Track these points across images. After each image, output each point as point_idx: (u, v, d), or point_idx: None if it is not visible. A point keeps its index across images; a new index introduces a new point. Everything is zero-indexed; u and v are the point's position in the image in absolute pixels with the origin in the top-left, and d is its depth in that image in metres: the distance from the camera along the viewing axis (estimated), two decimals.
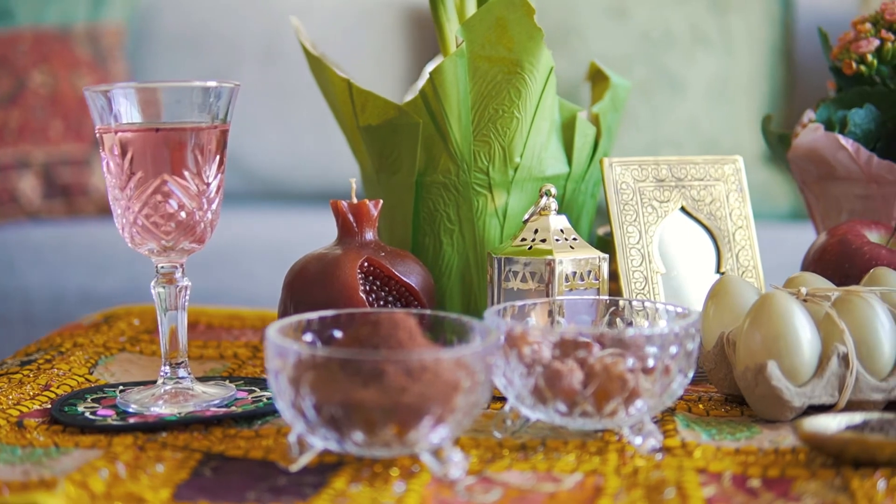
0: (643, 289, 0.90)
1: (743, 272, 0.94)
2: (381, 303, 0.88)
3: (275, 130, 2.18)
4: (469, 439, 0.78)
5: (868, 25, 1.01)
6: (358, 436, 0.70)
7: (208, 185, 0.82)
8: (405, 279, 0.88)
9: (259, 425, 0.81)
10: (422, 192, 0.93)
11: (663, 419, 0.82)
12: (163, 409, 0.82)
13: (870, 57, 0.99)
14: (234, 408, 0.83)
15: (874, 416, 0.76)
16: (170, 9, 2.22)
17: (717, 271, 0.94)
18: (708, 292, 0.87)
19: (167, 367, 0.85)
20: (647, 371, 0.75)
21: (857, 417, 0.76)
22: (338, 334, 0.77)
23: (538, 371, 0.75)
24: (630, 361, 0.74)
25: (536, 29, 0.89)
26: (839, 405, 0.80)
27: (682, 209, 0.94)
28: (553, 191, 0.88)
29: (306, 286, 0.87)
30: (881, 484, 0.70)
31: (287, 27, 2.13)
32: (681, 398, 0.87)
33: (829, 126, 1.00)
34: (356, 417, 0.70)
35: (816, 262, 0.94)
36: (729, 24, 2.03)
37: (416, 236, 0.95)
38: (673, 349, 0.75)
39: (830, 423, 0.75)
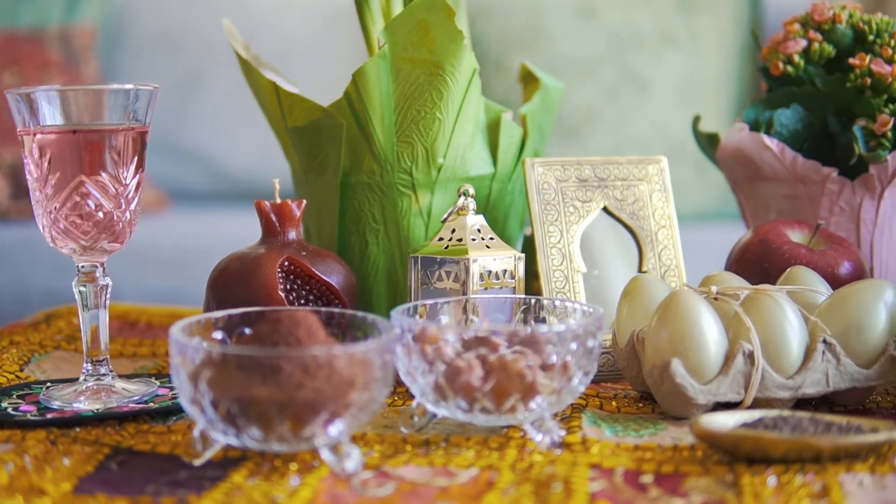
0: (563, 287, 0.91)
1: (665, 271, 0.95)
2: (302, 301, 0.89)
3: (248, 131, 2.19)
4: (376, 435, 0.79)
5: (797, 26, 1.02)
6: (254, 431, 0.71)
7: (126, 185, 0.84)
8: (325, 278, 0.89)
9: (174, 421, 0.83)
10: (347, 193, 0.95)
11: (571, 416, 0.83)
12: (84, 406, 0.84)
13: (796, 58, 1.00)
14: (151, 404, 0.84)
15: (771, 413, 0.77)
16: (143, 10, 2.24)
17: (640, 270, 0.95)
18: (622, 291, 0.88)
19: (89, 365, 0.87)
20: (546, 368, 0.76)
21: (752, 415, 0.77)
22: (247, 332, 0.79)
23: (439, 368, 0.76)
24: (529, 359, 0.76)
25: (457, 31, 0.90)
26: (745, 403, 0.81)
27: (605, 209, 0.95)
28: (471, 191, 0.89)
29: (228, 285, 0.89)
30: (771, 480, 0.71)
31: (261, 28, 2.14)
32: (597, 395, 0.88)
33: (756, 126, 1.01)
34: (252, 413, 0.71)
35: (738, 261, 0.95)
36: (697, 24, 2.03)
37: (342, 236, 0.96)
38: (573, 346, 0.76)
39: (726, 421, 0.76)
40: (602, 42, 2.02)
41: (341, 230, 0.96)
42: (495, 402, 0.76)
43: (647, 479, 0.72)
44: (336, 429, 0.72)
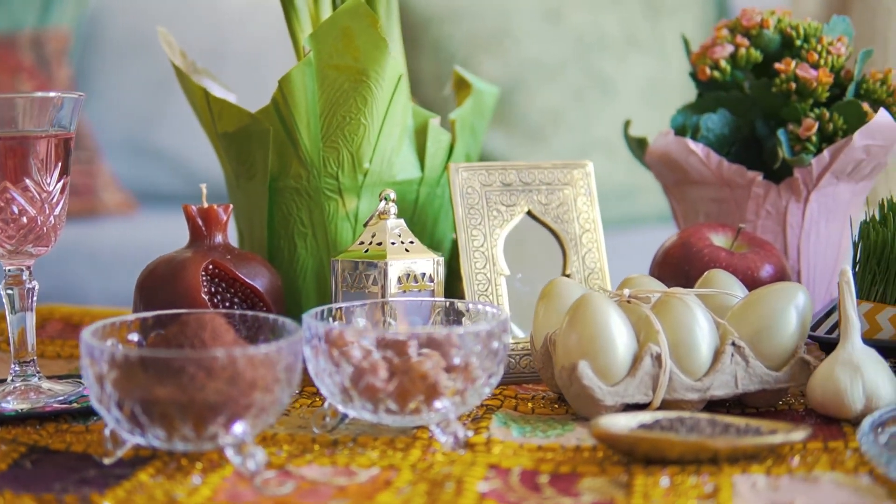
0: (486, 290, 0.93)
1: (589, 274, 0.96)
2: (227, 304, 0.91)
3: None
4: (287, 435, 0.81)
5: (726, 32, 1.03)
6: (158, 431, 0.73)
7: (50, 191, 0.86)
8: (249, 281, 0.91)
9: (94, 421, 0.84)
10: (276, 197, 0.96)
11: (483, 416, 0.84)
12: (11, 406, 0.86)
13: (723, 63, 1.01)
14: (75, 404, 0.86)
15: (669, 415, 0.78)
16: (116, 13, 2.26)
17: (563, 273, 0.96)
18: (539, 294, 0.89)
19: (16, 366, 0.88)
20: (450, 370, 0.78)
21: (651, 416, 0.78)
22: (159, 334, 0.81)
23: (345, 370, 0.77)
24: (434, 361, 0.77)
25: (381, 39, 0.91)
26: (654, 404, 0.82)
27: (529, 213, 0.96)
28: (392, 196, 0.91)
29: (154, 287, 0.90)
30: (664, 481, 0.72)
31: (233, 31, 2.16)
32: (515, 397, 0.90)
33: (683, 131, 1.02)
34: (155, 413, 0.73)
35: (661, 264, 0.96)
36: (662, 27, 2.04)
37: (272, 239, 0.98)
38: (476, 348, 0.78)
39: (625, 422, 0.77)
40: (568, 45, 2.03)
41: (271, 234, 0.97)
42: (399, 404, 0.77)
43: (543, 479, 0.73)
44: (240, 429, 0.74)
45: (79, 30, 2.21)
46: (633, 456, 0.75)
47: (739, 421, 0.78)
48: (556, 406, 0.87)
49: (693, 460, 0.75)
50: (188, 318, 0.77)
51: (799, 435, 0.76)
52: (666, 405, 0.83)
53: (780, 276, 0.94)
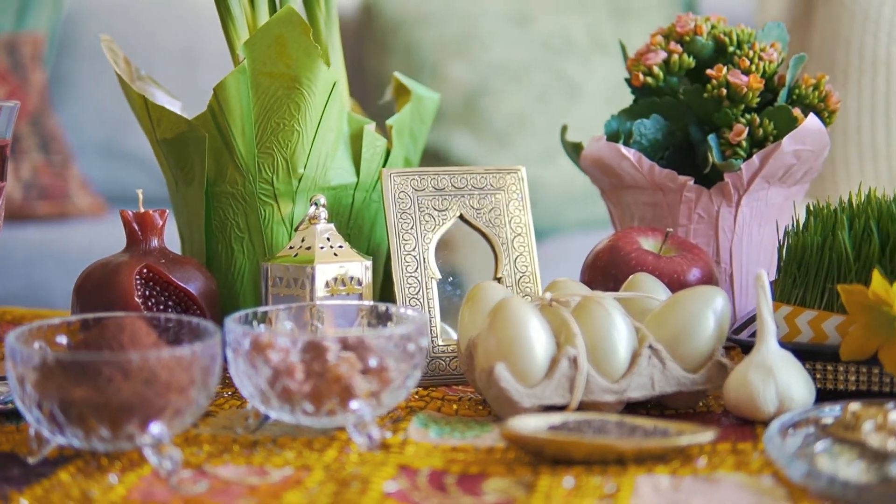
0: (417, 293, 0.94)
1: (520, 277, 0.98)
2: (161, 307, 0.93)
3: None
4: (210, 435, 0.83)
5: (660, 38, 1.04)
6: (76, 431, 0.75)
7: None
8: (183, 285, 0.93)
9: (25, 421, 0.86)
10: (213, 202, 0.98)
11: (404, 418, 0.86)
12: None
13: (656, 69, 1.03)
14: (10, 405, 0.88)
15: (578, 417, 0.80)
16: (91, 18, 2.28)
17: (494, 277, 0.98)
18: (465, 298, 0.91)
19: None
20: (366, 372, 0.80)
21: (559, 418, 0.80)
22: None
23: (263, 372, 0.79)
24: (351, 363, 0.79)
25: (313, 46, 0.93)
26: (571, 406, 0.84)
27: (461, 217, 0.98)
28: (322, 200, 0.93)
29: (90, 291, 0.92)
30: (568, 482, 0.74)
31: (209, 33, 2.18)
32: (443, 398, 0.92)
33: (616, 136, 1.03)
34: (72, 414, 0.75)
35: (590, 267, 0.97)
36: (629, 31, 2.06)
37: (209, 244, 1.00)
38: (392, 350, 0.80)
39: (534, 424, 0.79)
40: (535, 48, 2.05)
41: (209, 238, 0.99)
42: (315, 405, 0.79)
43: (450, 479, 0.75)
44: (157, 429, 0.76)
45: (53, 33, 2.23)
46: (542, 457, 0.77)
47: (648, 423, 0.79)
48: (480, 408, 0.89)
49: (600, 461, 0.76)
50: (108, 322, 0.79)
51: (705, 436, 0.78)
52: (584, 407, 0.85)
53: (708, 279, 0.96)
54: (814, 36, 1.73)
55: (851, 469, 0.73)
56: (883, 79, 1.64)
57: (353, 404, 0.79)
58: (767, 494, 0.72)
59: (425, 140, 1.08)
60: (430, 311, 0.94)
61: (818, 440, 0.78)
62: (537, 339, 0.84)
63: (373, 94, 2.03)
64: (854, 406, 0.81)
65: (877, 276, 0.85)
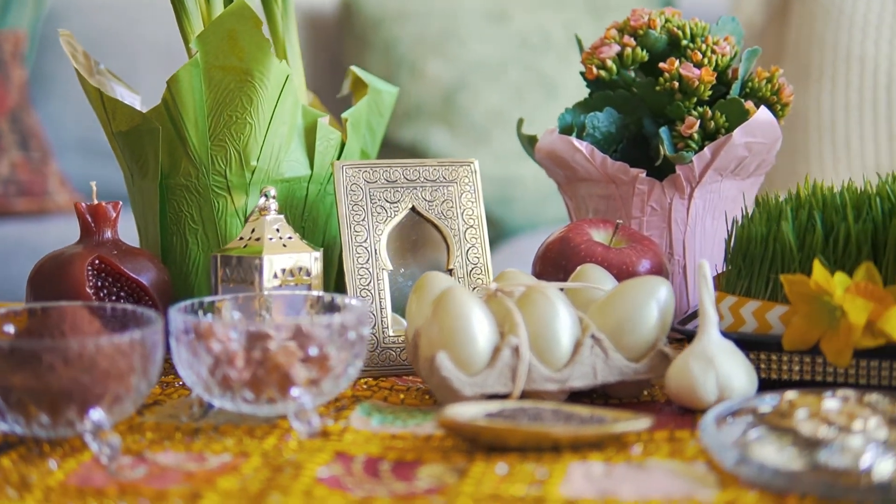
0: (368, 285, 0.95)
1: (472, 269, 0.98)
2: (113, 298, 0.94)
3: None
4: (154, 423, 0.84)
5: (614, 32, 1.05)
6: (17, 417, 0.76)
7: None
8: (135, 276, 0.94)
9: None
10: (167, 194, 0.99)
11: (348, 406, 0.87)
12: None
13: (609, 62, 1.03)
14: None
15: (515, 405, 0.81)
16: (72, 15, 2.29)
17: (446, 268, 0.98)
18: (412, 288, 0.92)
19: None
20: (306, 360, 0.80)
21: (496, 406, 0.80)
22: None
23: (205, 361, 0.80)
24: (288, 351, 0.80)
25: (265, 40, 0.94)
26: (513, 395, 0.85)
27: (413, 209, 0.99)
28: (272, 192, 0.94)
29: (42, 282, 0.93)
30: (501, 468, 0.74)
31: None
32: (391, 388, 0.92)
33: (569, 129, 1.04)
34: (11, 400, 0.76)
35: (541, 259, 0.98)
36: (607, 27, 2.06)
37: (164, 236, 1.00)
38: (332, 339, 0.80)
39: (471, 411, 0.79)
40: (513, 46, 2.05)
41: (163, 230, 1.00)
42: (255, 393, 0.80)
43: (385, 466, 0.76)
44: (97, 416, 0.77)
45: (34, 31, 2.24)
46: (478, 444, 0.78)
47: (585, 411, 0.80)
48: (427, 397, 0.90)
49: (535, 448, 0.77)
50: (52, 310, 0.80)
51: (640, 424, 0.78)
52: (527, 396, 0.85)
53: (657, 271, 0.96)
54: (789, 33, 1.73)
55: (782, 456, 0.74)
56: (857, 75, 1.65)
57: (293, 392, 0.80)
58: (698, 481, 0.72)
59: (384, 133, 1.09)
60: (380, 302, 0.95)
61: (754, 428, 0.78)
62: (479, 329, 0.84)
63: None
64: (791, 395, 0.82)
65: (818, 267, 0.85)
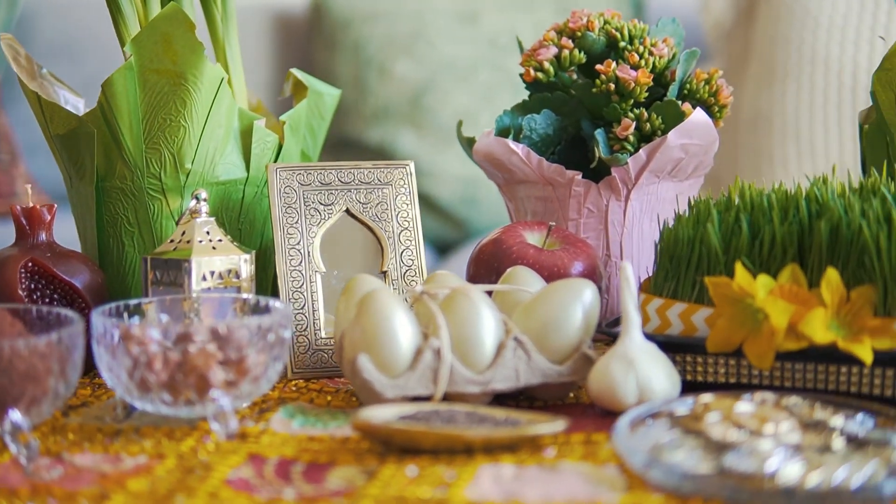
0: (300, 287, 0.95)
1: (406, 271, 0.99)
2: (46, 300, 0.94)
3: None
4: (77, 424, 0.84)
5: (552, 34, 1.05)
6: None
7: None
8: (68, 278, 0.94)
9: None
10: (104, 197, 1.00)
11: (271, 408, 0.87)
12: None
13: (546, 64, 1.03)
14: None
15: (429, 407, 0.81)
16: (47, 16, 2.30)
17: (380, 271, 0.99)
18: (342, 290, 0.92)
19: None
20: (225, 363, 0.81)
21: (411, 408, 0.81)
22: None
23: (124, 363, 0.81)
24: (207, 353, 0.80)
25: (198, 43, 0.95)
26: (435, 397, 0.85)
27: (348, 212, 0.99)
28: (203, 195, 0.94)
29: None
30: (411, 470, 0.75)
31: None
32: (320, 390, 0.93)
33: (507, 132, 1.04)
34: None
35: (475, 261, 0.98)
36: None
37: (101, 238, 1.01)
38: (252, 341, 0.81)
39: (386, 413, 0.80)
40: (482, 46, 2.05)
41: (100, 233, 1.01)
42: (173, 395, 0.80)
43: (297, 468, 0.76)
44: (15, 417, 0.77)
45: (6, 31, 2.25)
46: (391, 446, 0.78)
47: (500, 413, 0.80)
48: (354, 399, 0.90)
49: (448, 451, 0.77)
50: None
51: (554, 427, 0.78)
52: (450, 398, 0.86)
53: (590, 273, 0.96)
54: (756, 34, 1.73)
55: (691, 460, 0.74)
56: (821, 76, 1.64)
57: (211, 394, 0.80)
58: (605, 484, 0.73)
59: (325, 135, 1.10)
60: (313, 304, 0.96)
61: (668, 431, 0.78)
62: (402, 331, 0.84)
63: None
64: (706, 398, 0.82)
65: (740, 269, 0.85)
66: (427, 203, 1.98)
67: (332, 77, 2.01)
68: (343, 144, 2.00)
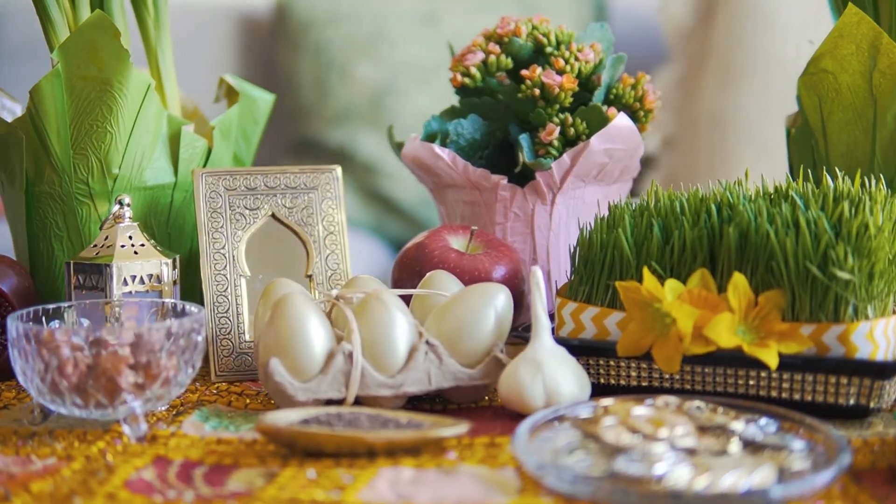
0: (225, 291, 0.97)
1: (331, 275, 1.00)
2: None
3: None
4: None
5: (480, 39, 1.06)
6: None
7: None
8: None
9: None
10: (33, 202, 1.01)
11: (185, 411, 0.89)
12: None
13: (473, 69, 1.04)
14: None
15: (334, 410, 0.82)
16: (14, 17, 2.31)
17: (305, 275, 1.00)
18: (261, 294, 0.93)
19: None
20: (136, 366, 0.82)
21: (316, 412, 0.82)
22: None
23: (37, 367, 0.82)
24: (117, 357, 0.81)
25: (123, 50, 0.96)
26: (347, 401, 0.86)
27: (273, 216, 1.00)
28: (126, 200, 0.95)
29: None
30: (310, 473, 0.76)
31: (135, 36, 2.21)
32: (241, 393, 0.94)
33: (434, 136, 1.05)
34: None
35: (398, 265, 1.00)
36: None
37: (32, 243, 1.02)
38: (163, 345, 0.82)
39: (290, 417, 0.81)
40: (443, 48, 2.06)
41: (31, 237, 1.02)
42: (83, 399, 0.82)
43: (200, 470, 0.77)
44: None
45: None
46: (295, 449, 0.79)
47: (403, 416, 0.81)
48: (272, 403, 0.91)
49: (350, 454, 0.78)
50: None
51: (457, 430, 0.79)
52: (363, 402, 0.87)
53: (512, 276, 0.97)
54: (714, 35, 1.74)
55: (584, 463, 0.75)
56: (777, 78, 1.65)
57: (122, 398, 0.81)
58: (498, 486, 0.74)
59: (259, 139, 1.11)
60: (237, 308, 0.97)
61: (569, 434, 0.79)
62: (315, 335, 0.86)
63: (285, 94, 2.05)
64: (607, 401, 0.83)
65: (647, 274, 0.86)
66: (388, 205, 1.99)
67: (294, 79, 2.02)
68: (304, 146, 2.01)
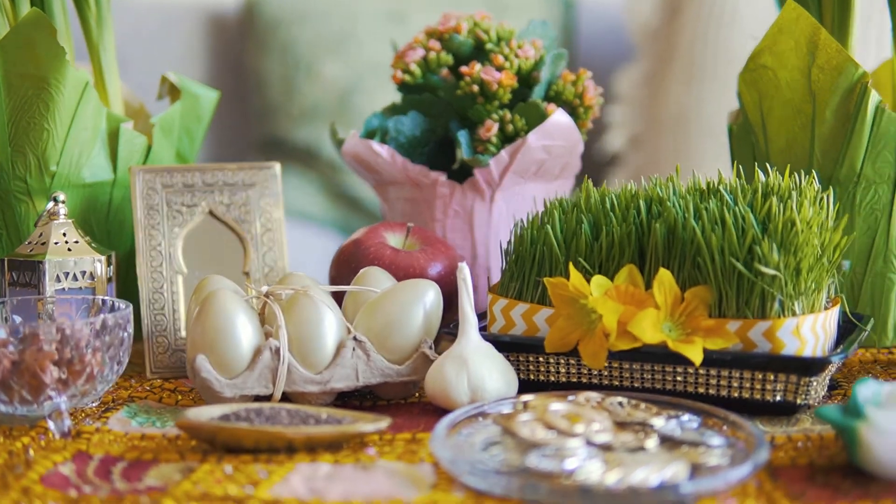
0: (161, 288, 0.97)
1: (268, 271, 1.00)
2: None
3: None
4: None
5: (422, 36, 1.06)
6: None
7: None
8: None
9: None
10: None
11: (114, 407, 0.89)
12: None
13: (413, 66, 1.05)
14: None
15: (255, 406, 0.82)
16: None
17: (243, 271, 1.00)
18: (193, 291, 0.93)
19: None
20: (60, 363, 0.82)
21: (236, 407, 0.82)
22: None
23: None
24: (41, 354, 0.82)
25: (60, 48, 0.96)
26: (274, 397, 0.86)
27: (211, 213, 1.00)
28: (61, 197, 0.96)
29: None
30: (227, 468, 0.76)
31: (126, 33, 2.20)
32: (174, 390, 0.94)
33: (373, 133, 1.05)
34: None
35: (336, 261, 1.00)
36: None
37: None
38: (89, 342, 0.82)
39: (211, 412, 0.81)
40: None
41: None
42: (7, 395, 0.82)
43: (119, 466, 0.77)
44: None
45: None
46: (216, 445, 0.80)
47: (324, 412, 0.82)
48: (202, 399, 0.92)
49: (269, 449, 0.79)
50: None
51: (377, 425, 0.80)
52: (291, 398, 0.87)
53: (448, 273, 0.97)
54: (681, 35, 1.74)
55: (498, 458, 0.75)
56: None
57: (47, 394, 0.82)
58: (413, 481, 0.74)
59: (203, 137, 1.11)
60: (173, 305, 0.97)
61: (489, 430, 0.80)
62: (242, 331, 0.86)
63: (253, 92, 2.05)
64: (527, 397, 0.83)
65: (573, 270, 0.86)
66: (355, 203, 1.99)
67: (261, 77, 2.02)
68: (271, 144, 2.01)
